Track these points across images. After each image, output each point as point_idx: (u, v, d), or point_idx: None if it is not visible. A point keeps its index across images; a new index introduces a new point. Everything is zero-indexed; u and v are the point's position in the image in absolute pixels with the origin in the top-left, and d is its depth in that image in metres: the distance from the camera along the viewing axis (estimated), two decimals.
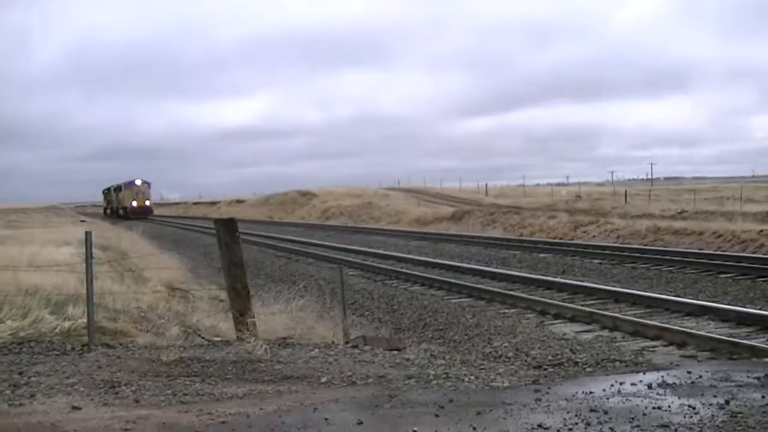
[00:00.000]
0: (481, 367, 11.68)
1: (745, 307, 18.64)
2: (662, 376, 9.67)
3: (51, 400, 8.88)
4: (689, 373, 9.84)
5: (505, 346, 15.56)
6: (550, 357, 13.92)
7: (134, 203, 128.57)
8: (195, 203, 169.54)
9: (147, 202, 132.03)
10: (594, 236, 44.25)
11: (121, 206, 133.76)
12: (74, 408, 8.50)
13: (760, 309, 18.50)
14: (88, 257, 13.21)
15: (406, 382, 9.83)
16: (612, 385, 9.20)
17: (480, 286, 24.54)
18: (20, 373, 10.27)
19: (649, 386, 9.12)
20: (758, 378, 9.35)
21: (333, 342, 13.65)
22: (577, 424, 7.54)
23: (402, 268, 31.15)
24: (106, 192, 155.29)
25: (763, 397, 8.44)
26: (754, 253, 31.08)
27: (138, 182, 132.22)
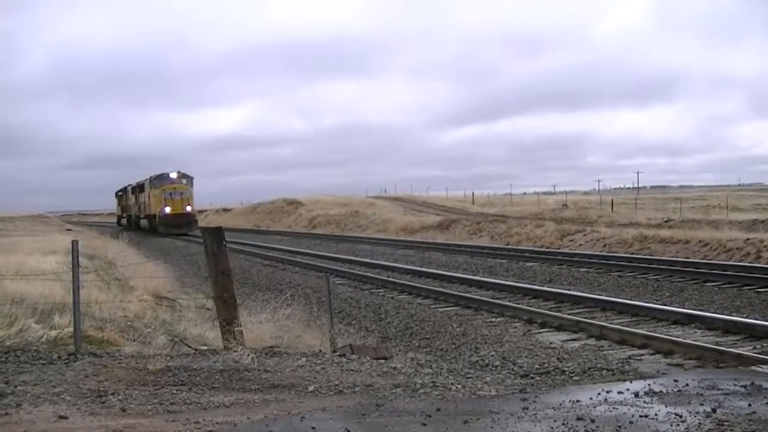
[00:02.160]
0: (468, 375, 11.70)
1: (731, 316, 18.69)
2: (649, 385, 9.69)
3: (37, 410, 8.85)
4: (676, 381, 9.86)
5: (492, 355, 15.56)
6: (537, 366, 13.94)
7: (168, 209, 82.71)
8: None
9: (188, 208, 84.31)
10: (581, 245, 44.28)
11: (145, 214, 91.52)
12: (61, 417, 8.48)
13: (746, 317, 18.55)
14: (75, 266, 13.19)
15: (393, 390, 9.84)
16: (599, 394, 9.21)
17: (467, 294, 24.53)
18: (6, 383, 10.23)
19: (636, 394, 9.13)
20: (744, 386, 9.38)
21: (320, 351, 13.64)
22: None
23: (389, 276, 31.15)
24: (121, 195, 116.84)
25: (750, 405, 8.46)
26: (740, 261, 31.15)
27: (173, 175, 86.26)
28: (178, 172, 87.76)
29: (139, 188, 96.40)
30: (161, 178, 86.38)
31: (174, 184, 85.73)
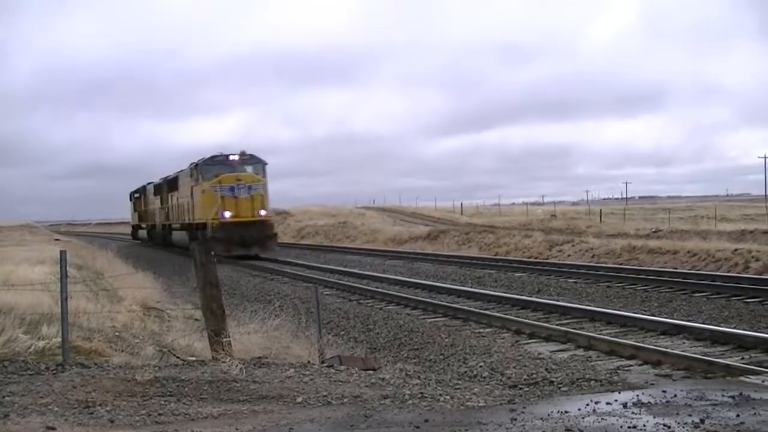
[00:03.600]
0: (457, 386, 11.69)
1: (719, 326, 18.74)
2: (637, 395, 9.69)
3: (25, 421, 8.83)
4: (664, 392, 9.86)
5: (481, 366, 15.57)
6: (525, 376, 13.96)
7: (228, 213, 53.51)
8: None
9: (261, 212, 54.76)
10: (569, 255, 44.33)
11: (184, 222, 62.05)
12: (48, 428, 8.45)
13: (734, 328, 18.60)
14: (63, 276, 13.17)
15: (382, 401, 9.83)
16: (587, 404, 9.21)
17: (455, 305, 24.57)
18: None
19: (624, 405, 9.13)
20: (733, 397, 9.39)
21: (308, 362, 13.62)
22: None
23: (377, 287, 31.15)
24: (138, 197, 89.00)
25: (738, 415, 8.47)
26: (728, 272, 31.23)
27: (234, 157, 56.26)
28: (242, 153, 55.72)
29: (171, 184, 66.92)
30: (214, 164, 55.07)
31: (237, 172, 53.99)
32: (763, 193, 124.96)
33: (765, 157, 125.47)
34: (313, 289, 16.57)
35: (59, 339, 13.30)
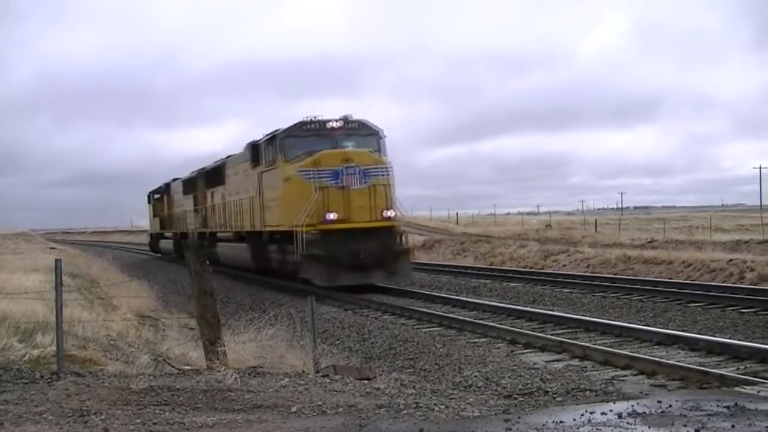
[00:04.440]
0: (452, 396, 11.69)
1: (714, 336, 18.73)
2: (632, 406, 9.69)
3: (19, 429, 8.82)
4: (659, 402, 9.86)
5: (476, 376, 15.56)
6: (520, 386, 13.96)
7: (331, 215, 32.09)
8: None
9: (387, 213, 33.30)
10: (564, 265, 44.30)
11: (242, 227, 42.07)
12: None
13: (729, 338, 18.60)
14: (58, 285, 13.16)
15: (377, 411, 9.82)
16: (582, 415, 9.21)
17: (450, 315, 24.55)
18: None
19: (620, 415, 9.13)
20: (728, 407, 9.39)
21: (303, 371, 13.62)
22: None
23: (372, 297, 31.04)
24: (158, 198, 72.99)
25: (733, 426, 8.47)
26: (723, 282, 31.24)
27: (335, 124, 34.90)
28: (346, 119, 35.74)
29: (212, 176, 49.50)
30: (303, 134, 35.22)
31: (344, 149, 34.43)
32: (758, 204, 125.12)
33: (760, 168, 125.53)
34: (308, 298, 16.56)
35: (54, 347, 13.30)
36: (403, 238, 33.95)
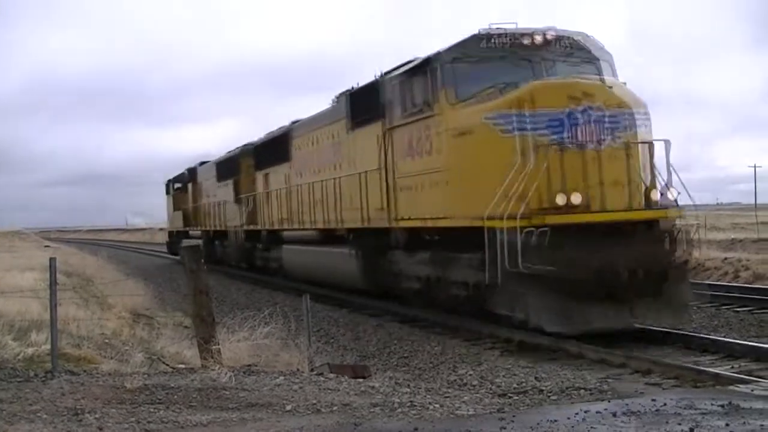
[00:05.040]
0: (446, 395, 11.71)
1: (708, 335, 18.70)
2: (627, 404, 9.70)
3: (13, 428, 8.82)
4: (654, 400, 9.87)
5: (470, 374, 15.54)
6: (515, 385, 13.96)
7: (572, 198, 17.16)
8: (161, 229, 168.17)
9: (658, 194, 18.18)
10: None
11: (342, 220, 27.18)
12: None
13: (723, 336, 18.56)
14: (52, 283, 13.17)
15: (371, 410, 9.83)
16: (577, 414, 9.21)
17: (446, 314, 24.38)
18: None
19: (614, 414, 9.14)
20: (722, 405, 9.39)
21: (298, 369, 13.62)
22: None
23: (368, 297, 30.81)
24: (179, 188, 62.19)
25: (727, 424, 8.48)
26: (718, 281, 31.22)
27: (538, 38, 19.51)
28: (555, 32, 20.22)
29: (268, 150, 38.22)
30: (483, 52, 19.81)
31: (576, 79, 18.71)
32: (753, 202, 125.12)
33: (755, 167, 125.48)
34: (303, 297, 16.54)
35: (48, 346, 13.31)
36: (682, 240, 18.98)
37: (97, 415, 9.43)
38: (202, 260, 14.89)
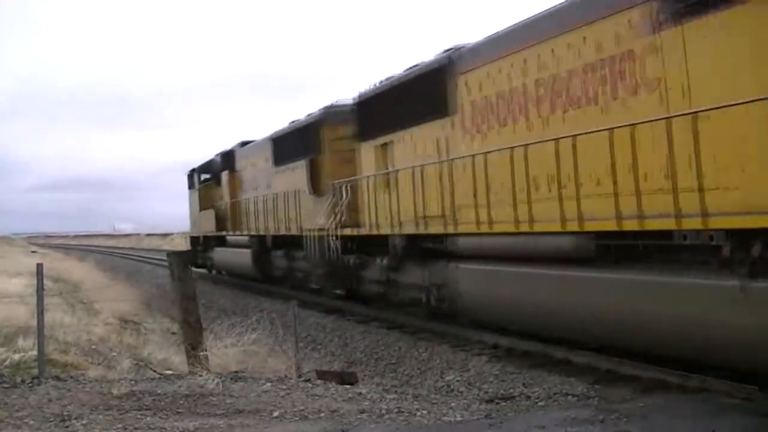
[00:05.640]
0: (434, 401, 11.72)
1: None
2: (615, 410, 9.72)
3: None
4: (641, 406, 9.90)
5: (458, 380, 15.56)
6: (502, 391, 13.97)
7: None
8: (148, 235, 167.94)
9: None
10: None
11: None
12: None
13: None
14: (39, 289, 13.14)
15: (359, 416, 9.84)
16: (565, 419, 9.24)
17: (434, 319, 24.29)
18: None
19: (602, 420, 9.16)
20: (709, 412, 9.43)
21: (285, 376, 13.64)
22: None
23: (354, 303, 30.73)
24: (206, 180, 47.35)
25: (714, 430, 8.52)
26: None
27: None
28: None
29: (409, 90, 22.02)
30: None
31: None
32: None
33: None
34: (291, 303, 16.54)
35: (35, 352, 13.28)
36: None
37: (84, 422, 9.42)
38: (189, 266, 14.86)
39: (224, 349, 15.21)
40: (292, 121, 33.54)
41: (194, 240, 50.55)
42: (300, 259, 31.43)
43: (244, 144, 40.87)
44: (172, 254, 15.11)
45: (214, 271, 47.38)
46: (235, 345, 15.42)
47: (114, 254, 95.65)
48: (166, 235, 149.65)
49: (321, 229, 27.01)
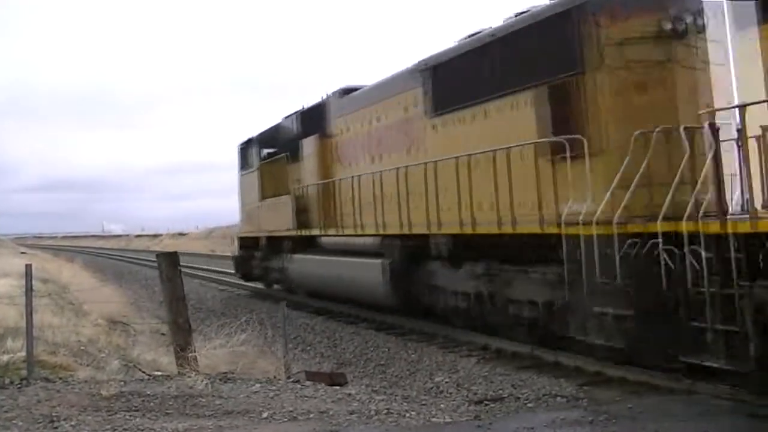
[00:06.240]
0: (423, 402, 11.72)
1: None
2: (604, 411, 9.73)
3: None
4: (630, 408, 9.91)
5: (447, 382, 15.56)
6: (491, 392, 13.97)
7: None
8: (137, 236, 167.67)
9: None
10: None
11: None
12: None
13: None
14: (28, 290, 13.12)
15: (348, 417, 9.84)
16: (553, 421, 9.25)
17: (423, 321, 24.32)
18: None
19: (591, 421, 9.18)
20: (699, 413, 9.45)
21: (275, 377, 13.62)
22: None
23: (344, 306, 30.67)
24: (277, 150, 31.55)
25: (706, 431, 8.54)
26: None
27: None
28: None
29: None
30: None
31: None
32: None
33: None
34: (280, 304, 16.53)
35: (24, 353, 13.24)
36: None
37: (73, 423, 9.40)
38: (178, 267, 14.82)
39: (213, 350, 15.19)
40: (462, 38, 19.40)
41: (247, 242, 36.93)
42: (522, 280, 17.17)
43: (347, 92, 26.46)
44: (161, 255, 15.05)
45: (275, 286, 34.61)
46: (224, 346, 15.41)
47: (103, 255, 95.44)
48: (155, 236, 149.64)
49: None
